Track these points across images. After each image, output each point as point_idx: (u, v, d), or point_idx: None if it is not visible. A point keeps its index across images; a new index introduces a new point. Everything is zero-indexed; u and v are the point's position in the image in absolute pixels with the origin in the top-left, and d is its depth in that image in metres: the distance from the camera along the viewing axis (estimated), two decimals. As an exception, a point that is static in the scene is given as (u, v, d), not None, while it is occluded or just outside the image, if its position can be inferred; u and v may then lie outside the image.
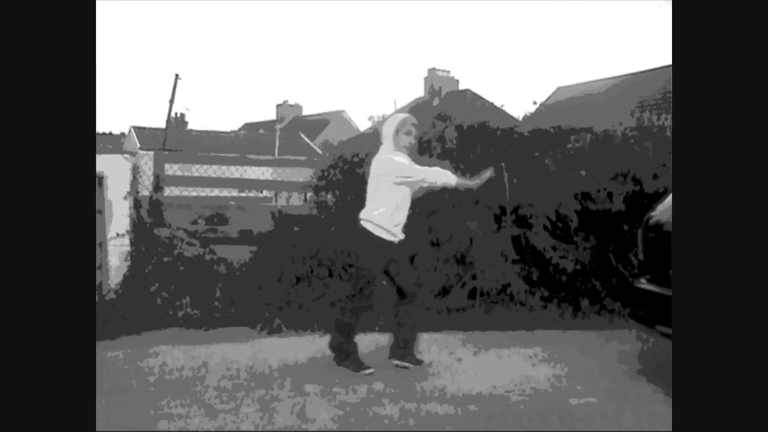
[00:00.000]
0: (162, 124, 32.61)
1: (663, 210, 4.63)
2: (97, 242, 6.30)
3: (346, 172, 7.21)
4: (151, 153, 7.58)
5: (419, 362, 4.92)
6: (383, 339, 5.36)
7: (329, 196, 7.21)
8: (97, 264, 6.29)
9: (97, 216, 6.33)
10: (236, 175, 7.38)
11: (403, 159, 4.73)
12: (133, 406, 3.98)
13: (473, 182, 5.03)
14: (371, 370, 4.70)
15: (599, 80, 23.80)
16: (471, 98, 29.37)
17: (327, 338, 5.07)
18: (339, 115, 42.98)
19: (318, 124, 41.43)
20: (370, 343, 5.31)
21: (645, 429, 3.73)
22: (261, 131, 38.46)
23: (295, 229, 6.88)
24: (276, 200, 9.63)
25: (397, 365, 4.85)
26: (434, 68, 34.10)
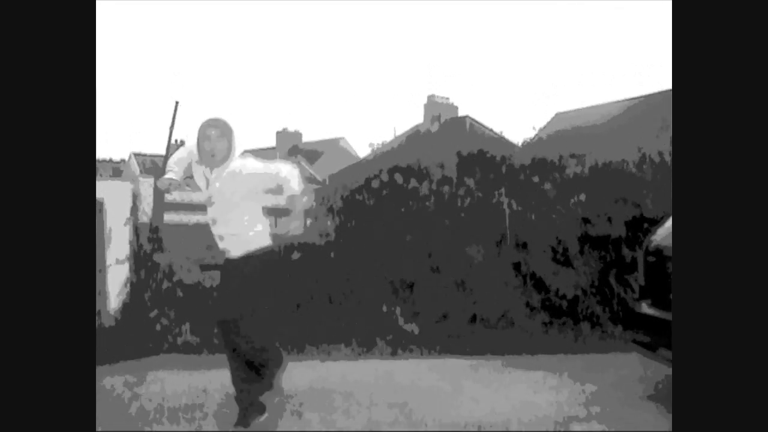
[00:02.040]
0: (162, 151, 32.79)
1: (663, 234, 4.64)
2: (97, 269, 6.29)
3: (347, 200, 7.24)
4: (151, 179, 7.60)
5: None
6: (384, 364, 5.34)
7: (329, 223, 7.23)
8: (97, 290, 6.27)
9: (97, 242, 6.33)
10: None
11: None
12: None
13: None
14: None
15: (599, 105, 23.94)
16: (470, 125, 29.52)
17: (327, 364, 5.04)
18: (338, 142, 43.14)
19: (317, 151, 41.55)
20: (368, 368, 5.29)
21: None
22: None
23: (295, 255, 6.88)
24: (276, 226, 9.62)
25: None
26: (433, 95, 34.25)
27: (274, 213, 4.47)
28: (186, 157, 4.29)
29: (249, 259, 4.08)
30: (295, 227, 4.09)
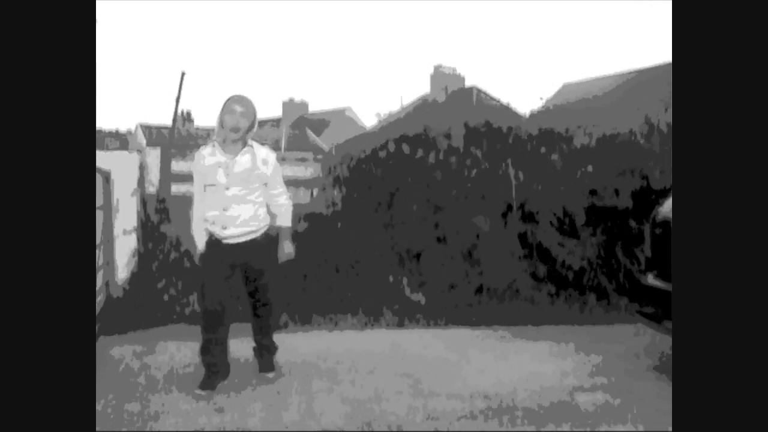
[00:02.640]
0: (168, 122, 32.80)
1: (671, 206, 4.62)
2: (105, 239, 6.32)
3: (353, 170, 7.23)
4: (158, 150, 7.60)
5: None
6: (390, 334, 5.36)
7: (335, 193, 7.22)
8: (105, 261, 6.30)
9: (104, 213, 6.35)
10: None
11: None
12: (139, 402, 3.99)
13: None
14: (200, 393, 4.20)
15: (606, 77, 23.75)
16: (477, 95, 29.34)
17: (334, 334, 5.07)
18: (345, 112, 42.98)
19: (324, 121, 41.41)
20: (375, 338, 5.32)
21: (652, 426, 3.72)
22: (267, 128, 38.45)
23: (302, 225, 6.89)
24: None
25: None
26: (440, 65, 34.04)
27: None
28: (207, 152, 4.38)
29: (266, 237, 4.40)
30: (288, 254, 4.56)
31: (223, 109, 4.27)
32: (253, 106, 4.34)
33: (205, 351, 4.28)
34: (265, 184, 4.38)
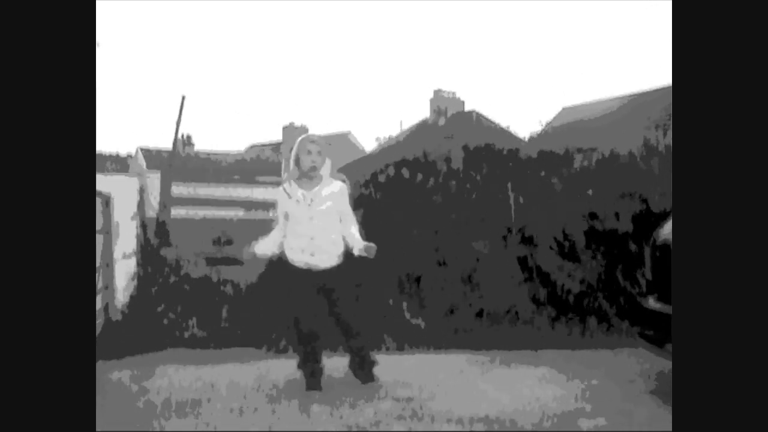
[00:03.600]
0: (169, 146, 32.84)
1: (671, 229, 4.62)
2: (104, 263, 6.31)
3: (353, 194, 7.23)
4: (158, 173, 7.62)
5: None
6: (390, 359, 5.33)
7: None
8: (104, 285, 6.29)
9: (104, 236, 6.35)
10: (243, 196, 7.41)
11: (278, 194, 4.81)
12: (138, 427, 3.96)
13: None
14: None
15: (605, 100, 23.84)
16: (477, 119, 29.45)
17: (335, 359, 5.05)
18: (345, 136, 43.11)
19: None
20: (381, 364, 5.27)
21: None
22: (268, 153, 38.60)
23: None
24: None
25: None
26: (440, 89, 34.17)
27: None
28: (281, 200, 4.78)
29: (344, 266, 4.80)
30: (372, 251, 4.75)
31: (298, 151, 4.68)
32: (325, 143, 4.78)
33: (305, 361, 4.79)
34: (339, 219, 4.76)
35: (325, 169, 4.75)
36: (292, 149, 4.77)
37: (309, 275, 4.68)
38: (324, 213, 4.66)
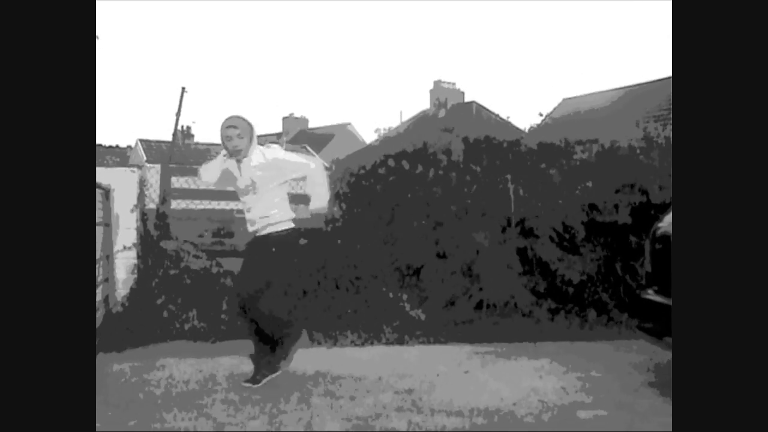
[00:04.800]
0: (168, 137, 32.84)
1: (670, 221, 4.62)
2: (104, 255, 6.31)
3: (353, 185, 7.23)
4: (158, 166, 7.61)
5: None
6: (390, 351, 5.35)
7: (335, 209, 7.22)
8: (104, 277, 6.30)
9: (104, 229, 6.35)
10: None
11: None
12: (139, 419, 3.97)
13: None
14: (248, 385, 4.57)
15: (605, 91, 23.77)
16: (477, 110, 29.39)
17: (334, 351, 5.06)
18: (345, 127, 43.08)
19: (324, 136, 41.48)
20: (375, 354, 5.30)
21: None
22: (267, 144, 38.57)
23: (302, 241, 6.88)
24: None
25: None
26: (440, 80, 34.11)
27: (295, 200, 4.90)
28: (218, 160, 4.78)
29: (270, 236, 4.62)
30: (320, 206, 4.78)
31: (222, 137, 4.66)
32: (246, 123, 4.66)
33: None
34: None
35: (253, 145, 4.69)
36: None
37: (251, 241, 4.75)
38: (258, 181, 4.62)
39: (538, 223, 6.96)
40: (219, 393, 4.50)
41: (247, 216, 4.71)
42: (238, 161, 4.66)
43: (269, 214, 4.62)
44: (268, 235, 4.63)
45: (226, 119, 4.67)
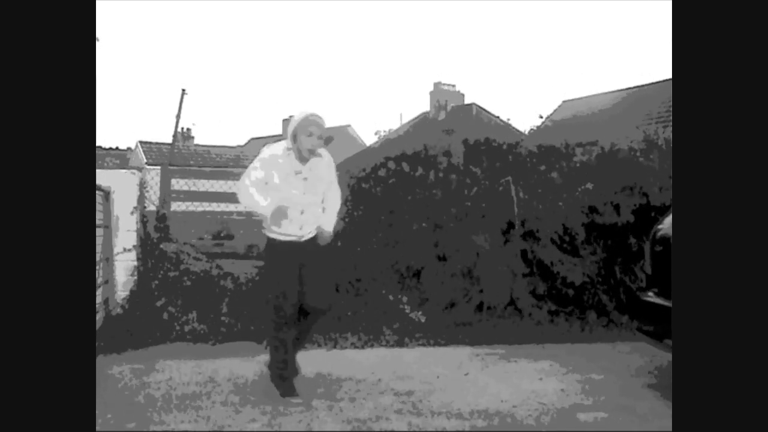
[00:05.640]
0: (168, 139, 32.87)
1: (670, 223, 4.62)
2: (104, 257, 6.31)
3: (353, 188, 7.23)
4: (158, 168, 7.61)
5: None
6: (390, 353, 5.34)
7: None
8: (104, 279, 6.29)
9: (104, 231, 6.35)
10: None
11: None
12: (138, 421, 3.97)
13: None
14: (299, 401, 4.32)
15: (605, 93, 23.77)
16: (477, 112, 29.39)
17: (334, 353, 5.05)
18: (345, 129, 43.05)
19: (328, 137, 41.44)
20: (375, 356, 5.29)
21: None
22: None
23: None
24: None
25: None
26: (440, 82, 34.04)
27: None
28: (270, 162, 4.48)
29: (315, 239, 4.51)
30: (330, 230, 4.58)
31: (299, 130, 4.42)
32: (325, 128, 4.54)
33: (277, 359, 4.45)
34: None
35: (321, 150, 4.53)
36: (292, 120, 4.53)
37: (294, 248, 4.43)
38: (314, 187, 4.47)
39: (538, 225, 6.96)
40: (219, 395, 4.50)
41: (299, 217, 4.41)
42: (304, 161, 4.44)
43: (319, 216, 4.52)
44: (314, 238, 4.51)
45: (314, 115, 4.49)
